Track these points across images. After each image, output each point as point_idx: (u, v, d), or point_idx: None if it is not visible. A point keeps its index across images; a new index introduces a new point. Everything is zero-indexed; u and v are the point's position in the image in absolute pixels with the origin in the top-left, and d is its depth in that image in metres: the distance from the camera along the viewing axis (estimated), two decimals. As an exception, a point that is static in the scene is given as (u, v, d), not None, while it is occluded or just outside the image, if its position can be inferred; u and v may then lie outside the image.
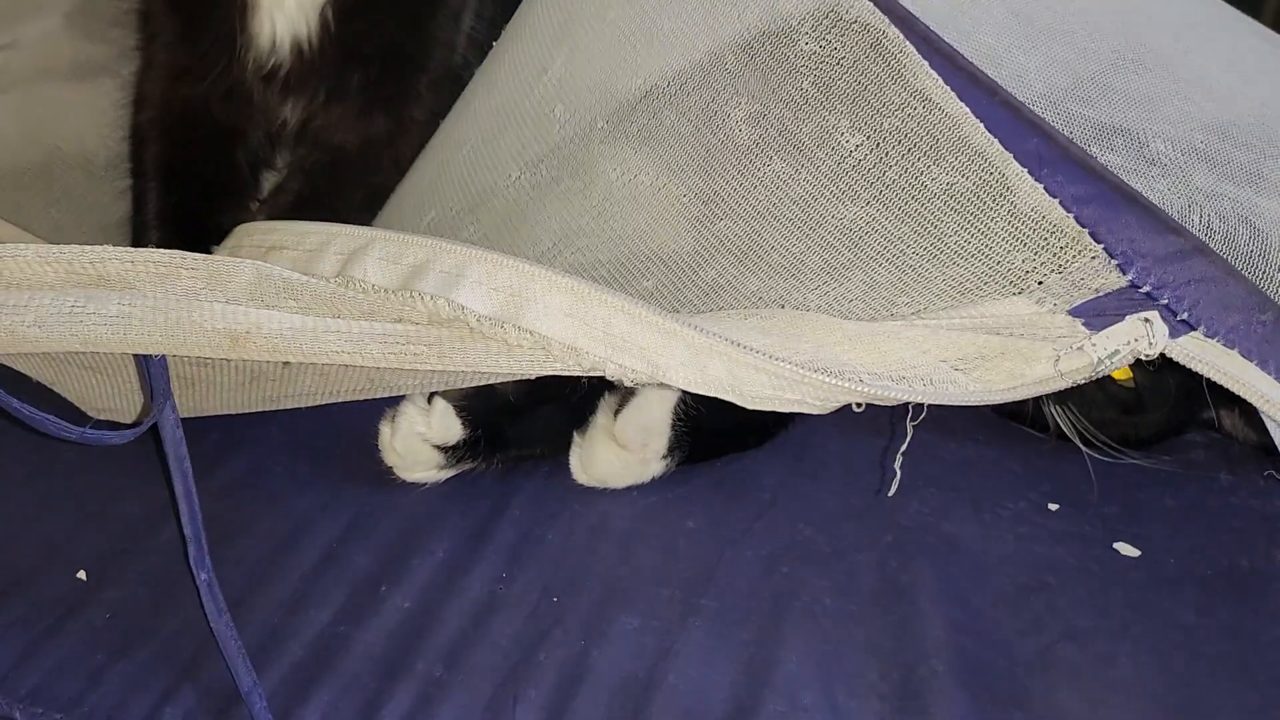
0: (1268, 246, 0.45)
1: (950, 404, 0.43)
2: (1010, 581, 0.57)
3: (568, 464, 0.58)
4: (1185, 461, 0.68)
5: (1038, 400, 0.62)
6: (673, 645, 0.51)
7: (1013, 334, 0.43)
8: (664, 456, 0.57)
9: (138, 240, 0.64)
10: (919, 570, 0.57)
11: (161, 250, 0.42)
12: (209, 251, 0.58)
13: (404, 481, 0.56)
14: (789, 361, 0.41)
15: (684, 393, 0.50)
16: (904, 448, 0.48)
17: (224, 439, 0.59)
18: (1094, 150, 0.45)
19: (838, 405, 0.44)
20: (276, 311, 0.42)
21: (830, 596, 0.55)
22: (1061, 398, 0.60)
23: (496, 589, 0.52)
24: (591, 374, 0.42)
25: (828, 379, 0.41)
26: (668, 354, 0.41)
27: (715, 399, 0.43)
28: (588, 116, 0.52)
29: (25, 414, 0.42)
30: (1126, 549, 0.60)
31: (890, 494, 0.53)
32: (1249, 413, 0.53)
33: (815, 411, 0.45)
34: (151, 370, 0.43)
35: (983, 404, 0.43)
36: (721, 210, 0.49)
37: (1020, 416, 0.67)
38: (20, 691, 0.44)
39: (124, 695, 0.44)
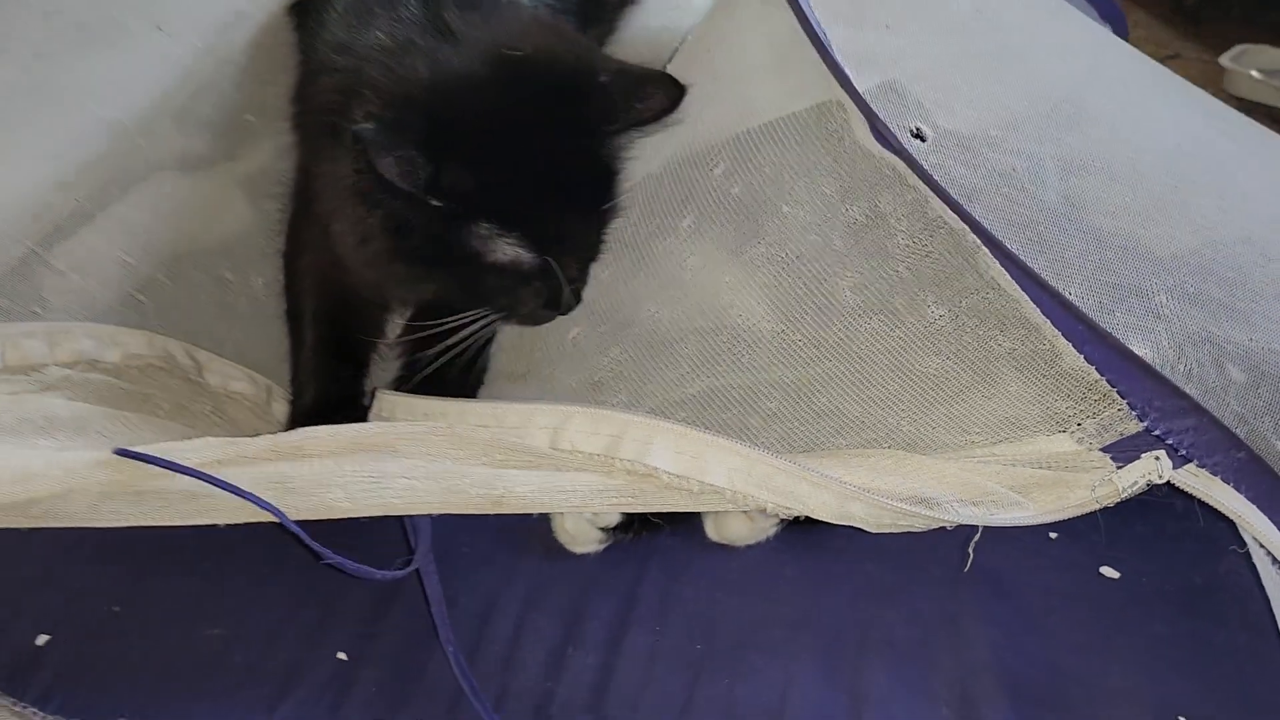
0: (1229, 384, 0.60)
1: (1009, 524, 0.58)
2: (1030, 605, 0.74)
3: (685, 530, 0.73)
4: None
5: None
6: (792, 676, 0.66)
7: (1057, 467, 0.58)
8: (779, 522, 0.71)
9: (295, 374, 0.73)
10: (963, 601, 0.73)
11: (416, 424, 0.54)
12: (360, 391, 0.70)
13: (565, 553, 0.70)
14: (902, 499, 0.55)
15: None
16: (977, 538, 0.64)
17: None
18: (1116, 311, 0.59)
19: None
20: (517, 471, 0.55)
21: (900, 627, 0.71)
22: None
23: (655, 641, 0.67)
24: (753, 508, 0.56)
25: (928, 511, 0.56)
26: (815, 498, 0.55)
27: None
28: (717, 271, 0.64)
29: (317, 549, 0.54)
30: (1109, 571, 0.77)
31: (966, 569, 0.68)
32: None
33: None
34: (418, 524, 0.55)
35: (1033, 524, 0.58)
36: (830, 353, 0.62)
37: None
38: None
39: (404, 752, 0.59)
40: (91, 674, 0.62)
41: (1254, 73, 1.39)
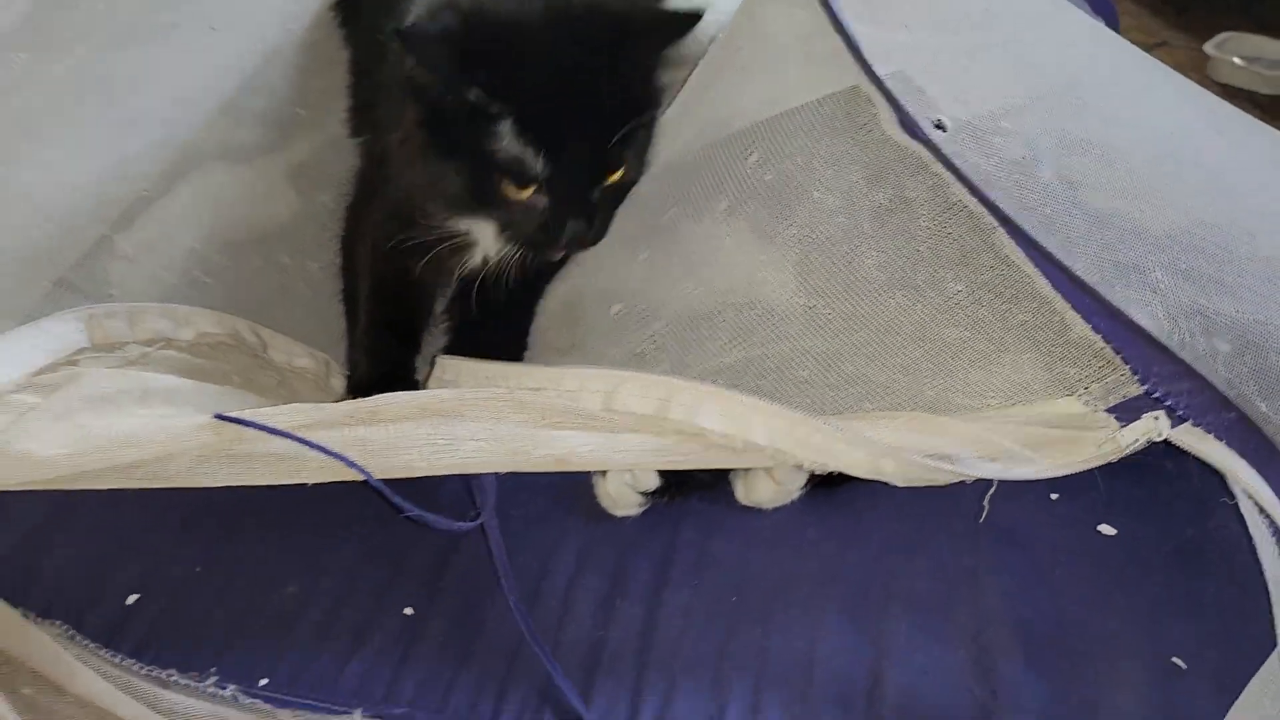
0: (1216, 352, 0.65)
1: (1023, 479, 0.63)
2: (1038, 560, 0.79)
3: (716, 494, 0.78)
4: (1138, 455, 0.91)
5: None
6: (819, 627, 0.72)
7: (1066, 427, 0.63)
8: (804, 485, 0.77)
9: (351, 350, 0.78)
10: (976, 556, 0.79)
11: (480, 390, 0.59)
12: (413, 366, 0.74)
13: (608, 515, 0.76)
14: (927, 456, 0.61)
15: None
16: (992, 491, 0.69)
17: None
18: (1117, 285, 0.65)
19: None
20: (575, 432, 0.59)
21: (920, 580, 0.76)
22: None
23: (693, 594, 0.72)
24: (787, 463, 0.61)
25: (950, 466, 0.61)
26: (849, 456, 0.60)
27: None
28: (751, 250, 0.69)
29: (398, 503, 0.59)
30: (1107, 529, 0.83)
31: (981, 520, 0.74)
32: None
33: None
34: (484, 482, 0.60)
35: (1042, 478, 0.63)
36: (857, 325, 0.67)
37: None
38: (402, 701, 0.63)
39: (475, 696, 0.64)
40: (180, 629, 0.67)
41: (1236, 59, 1.46)
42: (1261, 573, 0.67)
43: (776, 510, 0.79)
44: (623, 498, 0.74)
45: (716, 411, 0.60)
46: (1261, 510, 0.64)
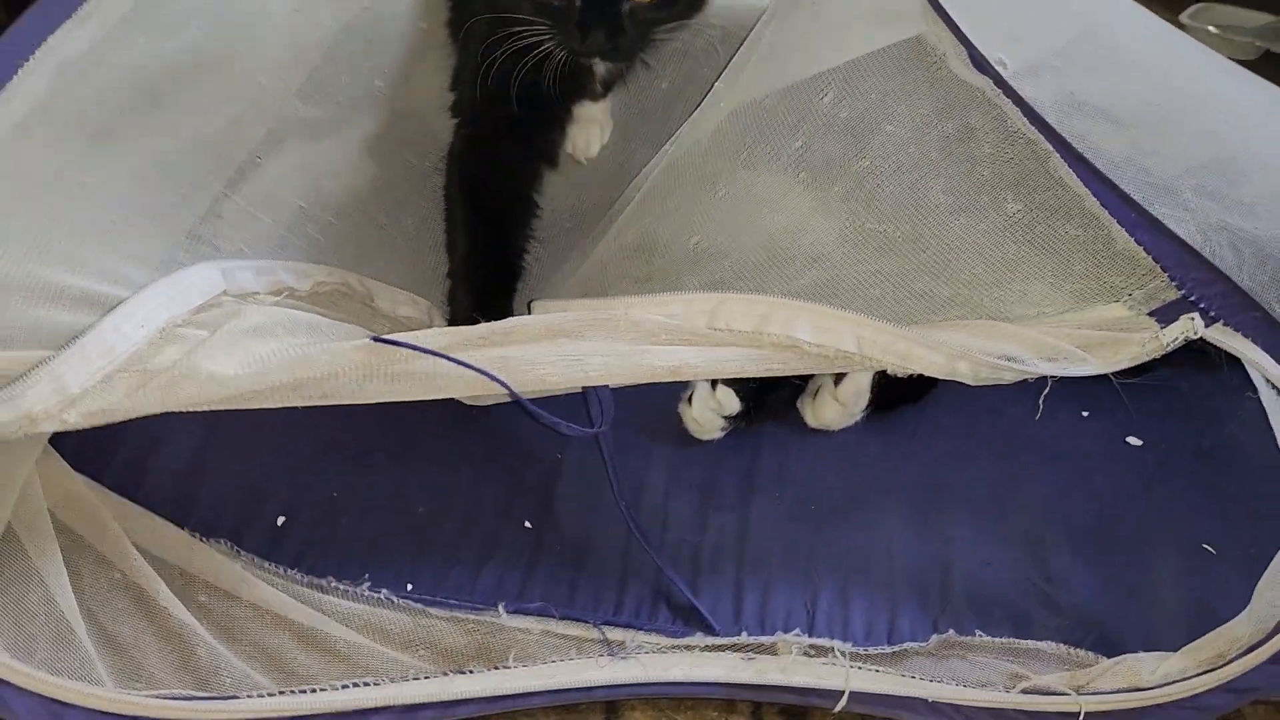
0: (1242, 262, 0.73)
1: (1077, 375, 0.70)
2: (1074, 467, 0.88)
3: (787, 420, 0.85)
4: (1159, 378, 0.99)
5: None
6: (891, 528, 0.79)
7: (1113, 329, 0.70)
8: (865, 409, 0.84)
9: (452, 293, 0.83)
10: (1020, 465, 0.87)
11: (601, 313, 0.65)
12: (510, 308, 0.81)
13: (694, 440, 0.83)
14: (1003, 358, 0.68)
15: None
16: (1047, 391, 0.77)
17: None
18: (1155, 205, 0.72)
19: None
20: (684, 348, 0.66)
21: (971, 487, 0.84)
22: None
23: (776, 503, 0.79)
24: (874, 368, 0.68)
25: (1018, 365, 0.68)
26: (928, 359, 0.67)
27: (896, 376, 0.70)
28: (826, 184, 0.76)
29: (534, 411, 0.65)
30: (1134, 440, 0.92)
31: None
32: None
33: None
34: (600, 395, 0.66)
35: (1095, 374, 0.71)
36: (925, 245, 0.73)
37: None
38: (535, 599, 0.70)
39: (597, 594, 0.70)
40: (328, 546, 0.73)
41: (1211, 28, 1.55)
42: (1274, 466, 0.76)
43: (842, 431, 0.86)
44: (707, 422, 0.81)
45: (810, 325, 0.66)
46: None
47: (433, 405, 0.62)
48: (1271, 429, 0.75)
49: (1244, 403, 0.93)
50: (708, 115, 0.86)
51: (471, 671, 0.65)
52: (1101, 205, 0.70)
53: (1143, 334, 0.71)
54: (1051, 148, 0.70)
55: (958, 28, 0.68)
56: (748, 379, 0.80)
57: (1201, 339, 0.71)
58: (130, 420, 0.58)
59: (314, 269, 0.78)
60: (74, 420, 0.57)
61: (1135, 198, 0.71)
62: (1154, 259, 0.70)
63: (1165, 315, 0.70)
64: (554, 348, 0.64)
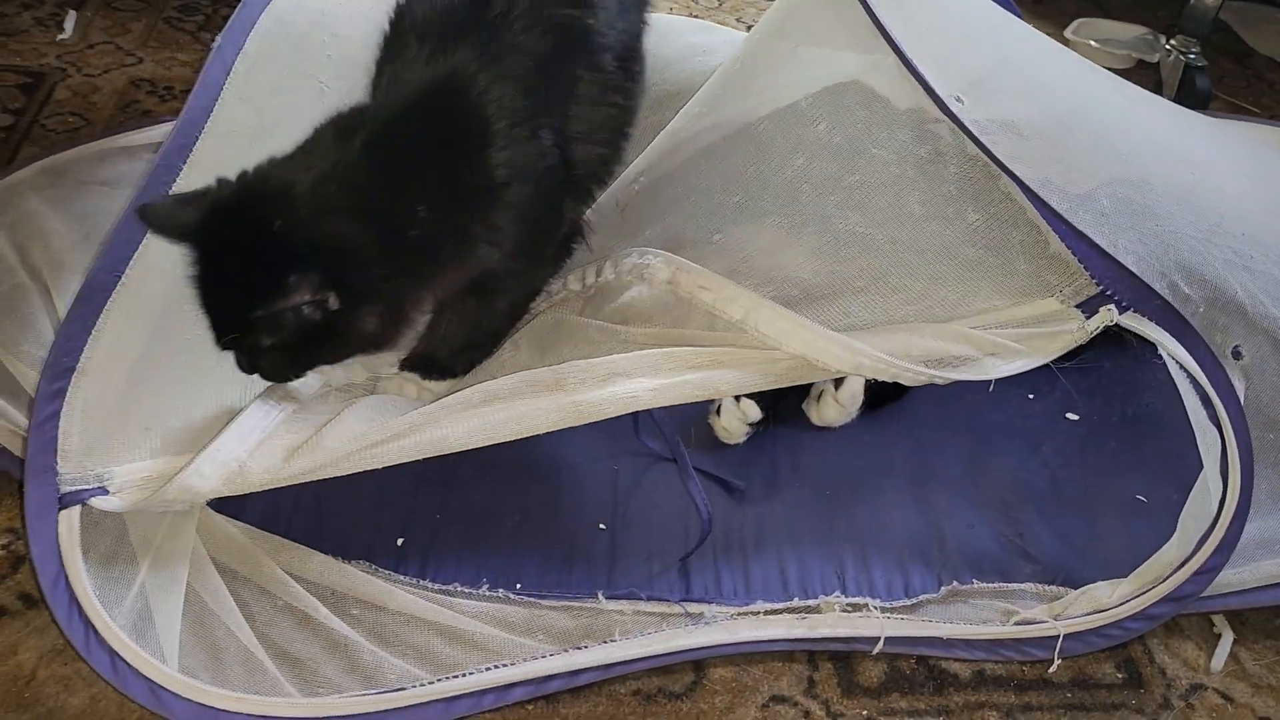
0: (1148, 257, 1.07)
1: (1014, 372, 0.99)
2: (1027, 441, 1.16)
3: (795, 421, 1.13)
4: (1085, 360, 1.32)
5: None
6: (890, 504, 1.07)
7: (1048, 323, 1.01)
8: (859, 408, 1.14)
9: None
10: (986, 442, 1.15)
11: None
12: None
13: (722, 444, 1.09)
14: (948, 358, 0.97)
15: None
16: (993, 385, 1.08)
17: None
18: (1079, 213, 1.01)
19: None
20: (722, 370, 0.93)
21: (948, 464, 1.14)
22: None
23: (797, 492, 1.07)
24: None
25: (963, 369, 0.98)
26: (909, 374, 0.96)
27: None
28: (824, 194, 1.00)
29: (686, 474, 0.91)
30: (1072, 415, 1.24)
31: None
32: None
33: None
34: (656, 416, 0.93)
35: (1030, 368, 0.99)
36: (902, 247, 0.97)
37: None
38: (622, 589, 0.94)
39: (671, 580, 0.95)
40: (445, 557, 0.94)
41: (1092, 42, 1.96)
42: (1185, 420, 1.08)
43: (841, 427, 1.13)
44: (734, 428, 1.07)
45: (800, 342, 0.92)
46: (1180, 366, 1.05)
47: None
48: (1179, 394, 1.09)
49: (1155, 373, 1.23)
50: (689, 127, 1.12)
51: (586, 647, 0.87)
52: (1041, 216, 0.96)
53: (1072, 323, 1.01)
54: (999, 169, 0.96)
55: (925, 81, 0.95)
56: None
57: (1117, 325, 1.03)
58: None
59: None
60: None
61: (1064, 206, 0.96)
62: (1079, 260, 0.98)
63: (1088, 307, 1.00)
64: (613, 388, 0.89)
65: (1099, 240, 0.98)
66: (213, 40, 1.11)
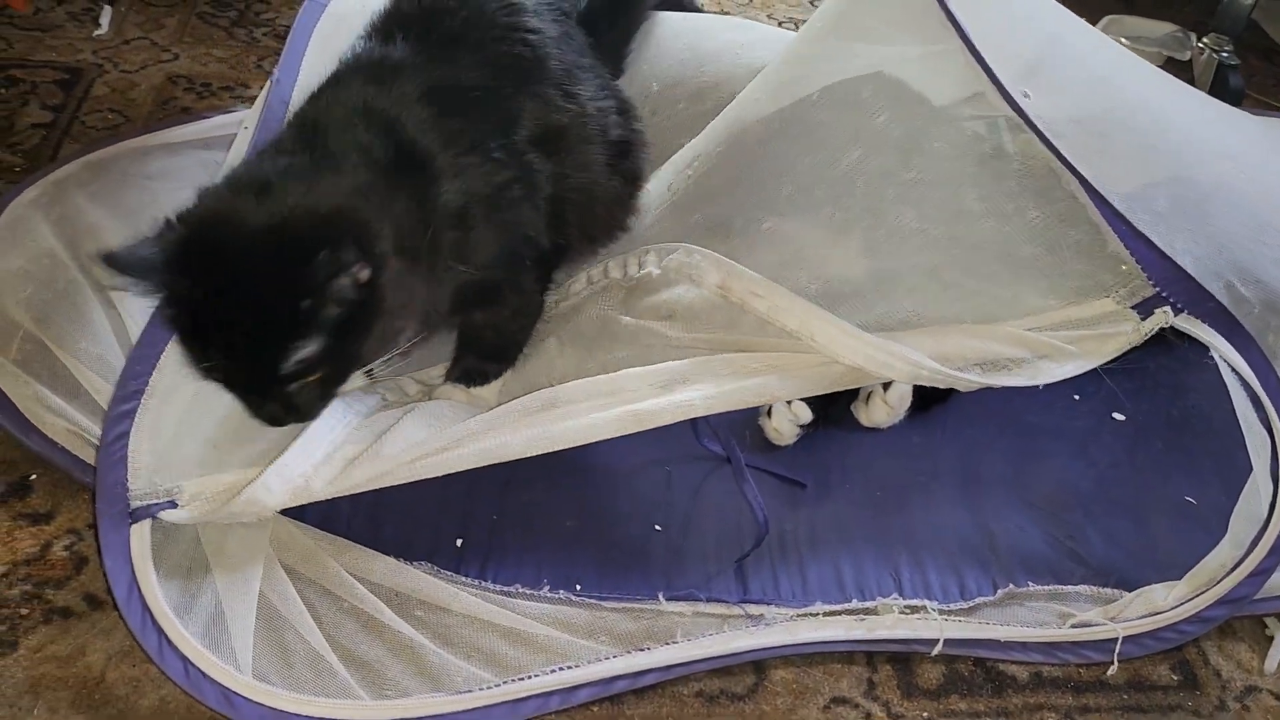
0: (1202, 258, 1.05)
1: (1067, 375, 0.98)
2: (1074, 442, 1.16)
3: (845, 422, 1.13)
4: (1131, 360, 1.32)
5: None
6: (939, 506, 1.07)
7: (1102, 324, 1.01)
8: (908, 410, 1.13)
9: None
10: (1033, 443, 1.16)
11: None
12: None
13: (774, 446, 1.10)
14: (1001, 360, 0.97)
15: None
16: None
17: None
18: (1137, 213, 1.00)
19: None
20: (773, 377, 0.93)
21: (996, 466, 1.13)
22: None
23: (848, 493, 1.07)
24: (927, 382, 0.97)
25: (1020, 371, 0.97)
26: (964, 382, 0.96)
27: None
28: (879, 187, 1.00)
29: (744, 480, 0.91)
30: (1118, 415, 1.24)
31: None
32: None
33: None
34: (712, 422, 0.93)
35: (1081, 372, 0.99)
36: (958, 244, 0.98)
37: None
38: (682, 590, 0.95)
39: (728, 580, 0.96)
40: (505, 558, 0.95)
41: (1122, 40, 1.96)
42: (1231, 421, 1.07)
43: (889, 428, 1.13)
44: (786, 430, 1.08)
45: (860, 354, 0.93)
46: (1233, 369, 1.05)
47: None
48: (1225, 395, 1.08)
49: (1200, 374, 1.23)
50: (748, 110, 1.11)
51: (648, 649, 0.88)
52: (1101, 215, 0.96)
53: (1127, 324, 1.01)
54: (1064, 166, 0.96)
55: (992, 73, 0.95)
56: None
57: (1170, 326, 1.03)
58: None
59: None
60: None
61: (1123, 206, 0.97)
62: (1137, 261, 0.99)
63: (1144, 309, 1.00)
64: (670, 397, 0.90)
65: (1156, 240, 0.98)
66: (248, 37, 1.09)
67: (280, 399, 0.79)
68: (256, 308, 0.75)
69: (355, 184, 0.81)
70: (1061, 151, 0.95)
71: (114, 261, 0.75)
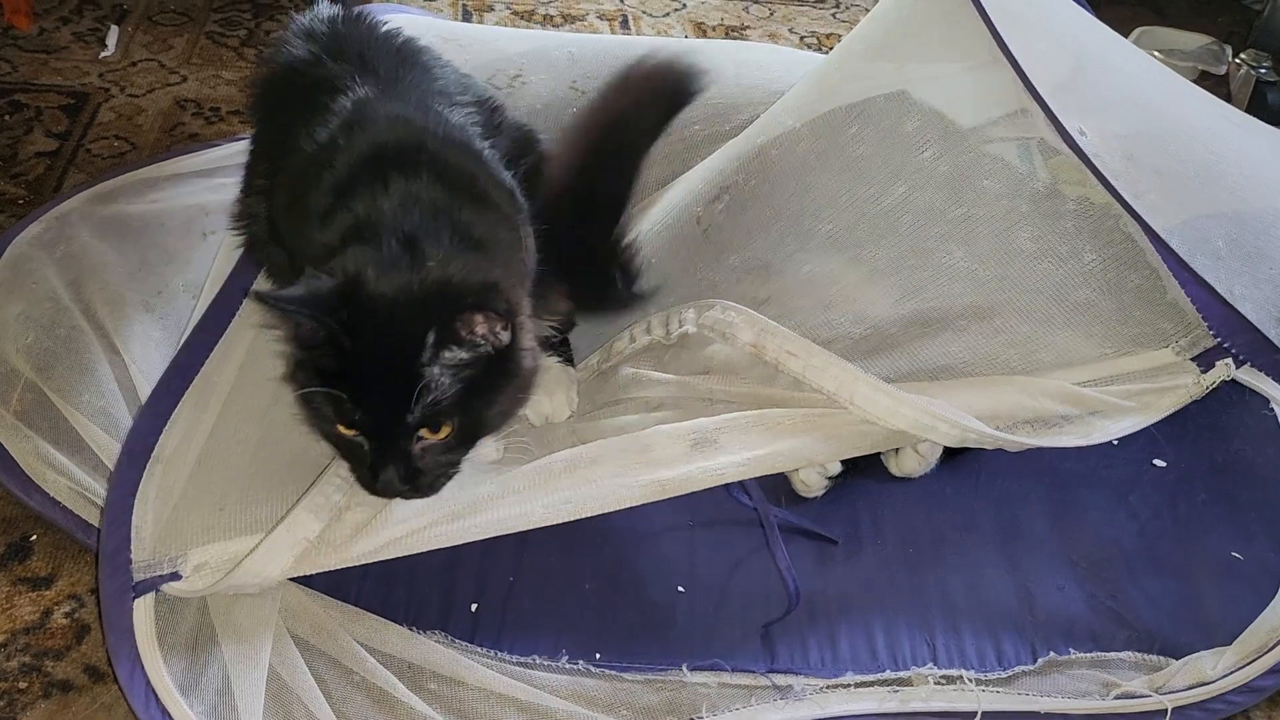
0: (1264, 306, 0.98)
1: (1123, 434, 0.92)
2: (1113, 491, 1.12)
3: (874, 472, 1.09)
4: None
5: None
6: (974, 564, 1.02)
7: (1160, 377, 0.96)
8: (936, 459, 1.08)
9: None
10: (1070, 493, 1.11)
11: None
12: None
13: (800, 498, 1.05)
14: (1053, 418, 0.92)
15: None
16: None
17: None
18: (1197, 256, 0.93)
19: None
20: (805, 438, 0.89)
21: (1032, 520, 1.08)
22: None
23: (879, 549, 1.02)
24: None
25: (1072, 428, 0.93)
26: (1013, 444, 0.91)
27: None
28: (926, 225, 0.97)
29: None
30: (1159, 462, 1.18)
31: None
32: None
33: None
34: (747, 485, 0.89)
35: (1138, 429, 0.94)
36: (1009, 285, 0.95)
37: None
38: (707, 659, 0.90)
39: (756, 648, 0.92)
40: (521, 625, 0.91)
41: (1155, 53, 1.90)
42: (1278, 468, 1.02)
43: (920, 478, 1.09)
44: (813, 482, 1.03)
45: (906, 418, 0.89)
46: None
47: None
48: (1268, 441, 1.03)
49: (1244, 417, 1.20)
50: (777, 133, 1.08)
51: None
52: (1162, 259, 0.92)
53: (1186, 377, 0.95)
54: (1123, 209, 0.92)
55: (1049, 108, 0.91)
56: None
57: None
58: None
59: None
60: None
61: (1184, 250, 0.92)
62: (1197, 309, 0.92)
63: (1204, 360, 0.94)
64: (704, 464, 0.86)
65: (1217, 286, 0.93)
66: (258, 57, 1.06)
67: (405, 460, 0.80)
68: (402, 352, 0.78)
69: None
70: (1121, 193, 0.91)
71: (267, 299, 0.77)
